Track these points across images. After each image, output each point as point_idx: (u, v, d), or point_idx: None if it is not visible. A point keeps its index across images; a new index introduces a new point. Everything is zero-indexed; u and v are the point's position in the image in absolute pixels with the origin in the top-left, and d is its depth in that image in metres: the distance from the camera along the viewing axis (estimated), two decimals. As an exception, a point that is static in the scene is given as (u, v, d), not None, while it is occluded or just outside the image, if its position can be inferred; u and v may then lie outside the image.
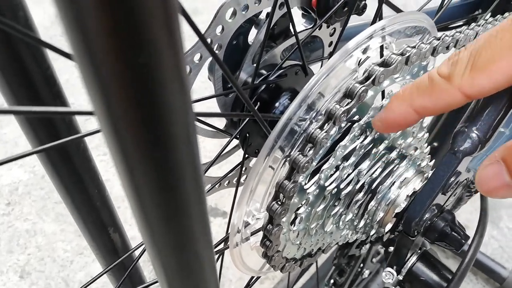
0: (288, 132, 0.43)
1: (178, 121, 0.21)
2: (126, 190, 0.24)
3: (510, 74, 0.34)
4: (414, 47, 0.47)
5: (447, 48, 0.52)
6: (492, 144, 0.57)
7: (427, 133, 0.54)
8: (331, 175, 0.47)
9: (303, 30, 0.63)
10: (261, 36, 0.56)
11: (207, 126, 0.56)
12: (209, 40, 0.51)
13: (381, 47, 0.49)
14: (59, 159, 0.45)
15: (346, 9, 0.61)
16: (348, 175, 0.48)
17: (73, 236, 1.45)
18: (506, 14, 0.77)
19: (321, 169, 0.46)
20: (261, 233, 0.49)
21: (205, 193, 0.27)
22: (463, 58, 0.35)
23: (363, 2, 0.64)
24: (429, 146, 0.54)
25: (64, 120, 0.43)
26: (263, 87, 0.58)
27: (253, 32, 0.61)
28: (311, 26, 0.63)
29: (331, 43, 0.68)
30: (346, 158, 0.47)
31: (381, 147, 0.48)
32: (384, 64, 0.45)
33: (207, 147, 1.69)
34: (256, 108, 0.59)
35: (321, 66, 0.49)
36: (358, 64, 0.45)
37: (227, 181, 0.70)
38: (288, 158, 0.43)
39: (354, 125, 0.45)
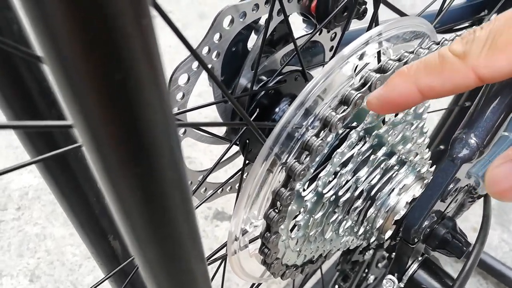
0: (285, 138, 0.43)
1: (159, 134, 0.21)
2: (112, 204, 0.24)
3: None
4: (412, 52, 0.47)
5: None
6: (496, 148, 0.56)
7: (428, 139, 0.54)
8: (329, 182, 0.47)
9: (303, 36, 0.63)
10: (260, 42, 0.56)
11: (206, 133, 0.57)
12: (207, 48, 0.51)
13: (379, 53, 0.48)
14: (57, 168, 0.46)
15: (345, 13, 0.61)
16: (347, 182, 0.48)
17: (81, 241, 1.47)
18: None
19: (318, 176, 0.46)
20: (260, 240, 0.49)
21: (192, 205, 0.27)
22: (480, 37, 0.32)
23: (363, 6, 0.64)
24: (429, 152, 0.53)
25: (61, 130, 0.43)
26: (262, 93, 0.58)
27: (253, 37, 0.61)
28: (312, 31, 0.62)
29: (332, 47, 0.68)
30: (344, 164, 0.47)
31: (380, 153, 0.48)
32: (381, 70, 0.45)
33: (214, 151, 1.70)
34: (255, 114, 0.59)
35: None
36: (355, 71, 0.45)
37: (229, 187, 0.71)
38: (285, 166, 0.43)
39: (351, 132, 0.45)
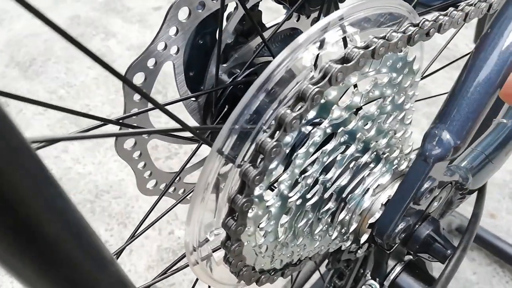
0: (236, 140, 0.39)
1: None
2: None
3: None
4: (383, 37, 0.42)
5: (427, 34, 0.46)
6: (492, 138, 0.51)
7: (410, 131, 0.49)
8: (294, 184, 0.43)
9: (275, 25, 0.58)
10: (225, 35, 0.52)
11: (171, 136, 0.53)
12: (163, 44, 0.48)
13: (345, 40, 0.43)
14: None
15: (321, -3, 0.56)
16: (314, 184, 0.44)
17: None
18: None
19: (280, 179, 0.42)
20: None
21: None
22: None
23: (343, -13, 0.59)
24: (411, 147, 0.48)
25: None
26: (230, 89, 0.54)
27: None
28: (284, 19, 0.58)
29: (312, 35, 0.63)
30: (310, 165, 0.43)
31: (349, 151, 0.44)
32: (344, 60, 0.40)
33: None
34: (225, 110, 0.56)
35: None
36: (315, 61, 0.40)
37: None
38: (239, 169, 0.39)
39: (313, 130, 0.41)
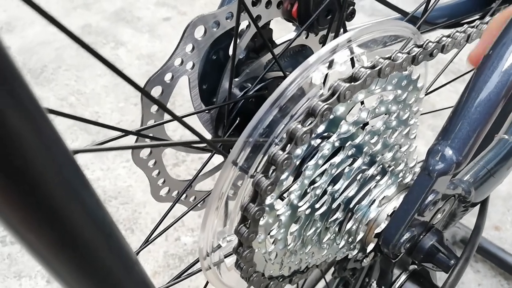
0: (249, 152, 0.41)
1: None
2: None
3: None
4: (388, 58, 0.44)
5: (431, 55, 0.48)
6: (494, 153, 0.53)
7: (414, 145, 0.51)
8: (303, 195, 0.45)
9: (285, 42, 0.61)
10: (237, 51, 0.55)
11: (185, 146, 0.56)
12: (179, 60, 0.50)
13: (352, 60, 0.46)
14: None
15: (329, 16, 0.59)
16: (322, 194, 0.46)
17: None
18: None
19: (290, 190, 0.44)
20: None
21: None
22: None
23: (351, 7, 0.61)
24: (415, 160, 0.51)
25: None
26: (242, 102, 0.57)
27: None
28: (294, 36, 0.60)
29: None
30: (319, 177, 0.45)
31: (356, 164, 0.46)
32: (352, 78, 0.42)
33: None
34: (237, 122, 0.58)
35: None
36: (324, 80, 0.43)
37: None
38: (252, 179, 0.42)
39: (322, 144, 0.43)
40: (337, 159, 0.44)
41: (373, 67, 0.43)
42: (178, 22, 2.35)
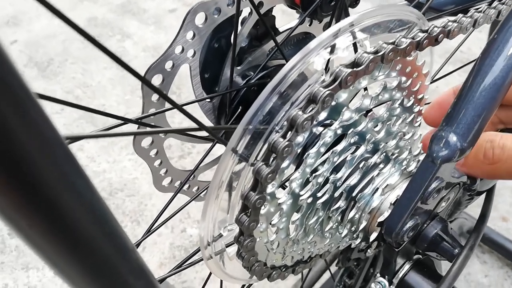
0: (249, 140, 0.41)
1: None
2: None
3: None
4: (392, 43, 0.43)
5: (436, 40, 0.47)
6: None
7: (420, 134, 0.50)
8: (305, 183, 0.45)
9: (288, 29, 0.60)
10: (239, 38, 0.54)
11: (187, 135, 0.55)
12: (180, 48, 0.50)
13: (355, 45, 0.45)
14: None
15: (333, 3, 0.58)
16: (324, 183, 0.45)
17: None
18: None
19: (291, 178, 0.43)
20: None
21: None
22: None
23: (355, -7, 0.60)
24: (419, 148, 0.50)
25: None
26: (244, 90, 0.56)
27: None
28: (297, 23, 0.59)
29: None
30: (321, 165, 0.45)
31: (359, 152, 0.45)
32: (354, 64, 0.41)
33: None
34: (239, 111, 0.58)
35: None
36: (326, 65, 0.42)
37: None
38: (252, 167, 0.41)
39: (324, 131, 0.42)
40: (339, 147, 0.44)
41: (376, 52, 0.42)
42: (184, 13, 2.33)
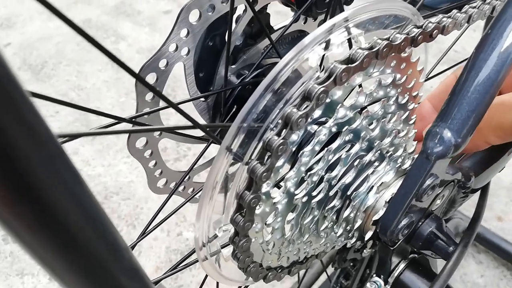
0: (244, 137, 0.40)
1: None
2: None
3: None
4: (387, 39, 0.43)
5: (431, 36, 0.47)
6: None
7: (415, 131, 0.50)
8: (300, 182, 0.44)
9: (283, 27, 0.60)
10: (234, 37, 0.54)
11: (181, 135, 0.55)
12: (174, 46, 0.50)
13: (350, 41, 0.45)
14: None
15: (327, 0, 0.57)
16: (319, 181, 0.45)
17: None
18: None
19: (286, 177, 0.43)
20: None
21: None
22: None
23: (349, -9, 0.60)
24: (414, 146, 0.50)
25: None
26: (239, 89, 0.56)
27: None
28: (291, 21, 0.59)
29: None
30: (315, 163, 0.44)
31: (354, 150, 0.45)
32: (349, 60, 0.41)
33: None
34: (234, 110, 0.57)
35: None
36: (321, 61, 0.42)
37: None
38: (247, 166, 0.41)
39: (318, 129, 0.42)
40: (334, 145, 0.43)
41: (370, 48, 0.42)
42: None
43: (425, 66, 0.56)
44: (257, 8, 0.55)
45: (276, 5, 0.60)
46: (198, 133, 0.60)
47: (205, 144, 0.61)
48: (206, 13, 0.50)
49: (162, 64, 0.49)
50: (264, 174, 0.40)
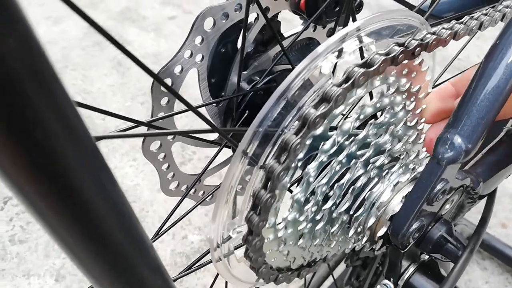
0: (260, 140, 0.41)
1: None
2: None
3: None
4: (402, 44, 0.44)
5: (445, 41, 0.48)
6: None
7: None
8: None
9: (293, 34, 0.61)
10: (246, 43, 0.55)
11: (193, 138, 0.56)
12: (189, 52, 0.51)
13: (361, 49, 0.46)
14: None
15: (337, 8, 0.59)
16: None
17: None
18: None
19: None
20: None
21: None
22: None
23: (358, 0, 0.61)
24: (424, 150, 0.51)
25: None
26: (250, 95, 0.57)
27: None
28: (302, 29, 0.61)
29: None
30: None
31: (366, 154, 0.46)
32: (366, 65, 0.42)
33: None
34: (245, 115, 0.59)
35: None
36: (333, 69, 0.43)
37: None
38: (263, 169, 0.42)
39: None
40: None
41: (387, 54, 0.42)
42: (183, 21, 2.36)
43: (433, 74, 0.57)
44: (269, 16, 0.56)
45: (282, 12, 0.62)
46: (209, 137, 0.61)
47: (216, 148, 0.63)
48: (220, 21, 0.51)
49: (177, 69, 0.51)
50: (281, 172, 0.40)
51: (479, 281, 1.31)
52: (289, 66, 0.61)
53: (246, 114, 0.58)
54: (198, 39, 0.51)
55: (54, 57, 2.10)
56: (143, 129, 0.52)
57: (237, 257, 0.49)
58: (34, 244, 1.48)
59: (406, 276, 0.50)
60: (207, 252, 0.47)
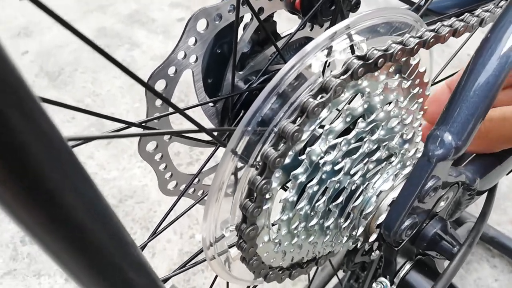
0: (247, 142, 0.41)
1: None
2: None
3: None
4: (400, 42, 0.44)
5: (444, 38, 0.47)
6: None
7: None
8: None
9: (288, 34, 0.61)
10: (241, 44, 0.56)
11: (189, 139, 0.56)
12: (182, 53, 0.51)
13: (352, 48, 0.46)
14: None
15: (333, 7, 0.59)
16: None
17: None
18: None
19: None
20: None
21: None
22: None
23: (355, -2, 0.61)
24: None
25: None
26: (245, 95, 0.57)
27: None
28: (297, 28, 0.61)
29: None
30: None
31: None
32: (365, 58, 0.42)
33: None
34: (241, 115, 0.59)
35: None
36: (324, 67, 0.43)
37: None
38: (253, 167, 0.42)
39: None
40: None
41: (385, 50, 0.42)
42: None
43: (430, 73, 0.57)
44: (263, 16, 0.56)
45: (288, 12, 0.62)
46: (207, 137, 0.62)
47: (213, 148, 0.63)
48: (214, 22, 0.52)
49: (171, 71, 0.51)
50: (278, 159, 0.40)
51: (489, 279, 1.29)
52: (281, 65, 0.61)
53: (242, 114, 0.58)
54: (191, 40, 0.51)
55: (65, 60, 2.13)
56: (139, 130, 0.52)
57: (232, 256, 0.50)
58: (45, 245, 1.50)
59: (402, 273, 0.49)
60: (200, 251, 0.47)
